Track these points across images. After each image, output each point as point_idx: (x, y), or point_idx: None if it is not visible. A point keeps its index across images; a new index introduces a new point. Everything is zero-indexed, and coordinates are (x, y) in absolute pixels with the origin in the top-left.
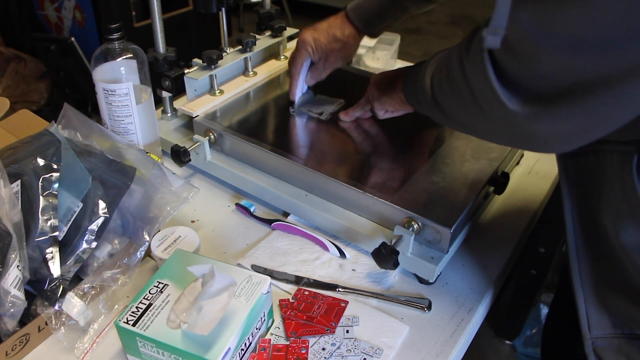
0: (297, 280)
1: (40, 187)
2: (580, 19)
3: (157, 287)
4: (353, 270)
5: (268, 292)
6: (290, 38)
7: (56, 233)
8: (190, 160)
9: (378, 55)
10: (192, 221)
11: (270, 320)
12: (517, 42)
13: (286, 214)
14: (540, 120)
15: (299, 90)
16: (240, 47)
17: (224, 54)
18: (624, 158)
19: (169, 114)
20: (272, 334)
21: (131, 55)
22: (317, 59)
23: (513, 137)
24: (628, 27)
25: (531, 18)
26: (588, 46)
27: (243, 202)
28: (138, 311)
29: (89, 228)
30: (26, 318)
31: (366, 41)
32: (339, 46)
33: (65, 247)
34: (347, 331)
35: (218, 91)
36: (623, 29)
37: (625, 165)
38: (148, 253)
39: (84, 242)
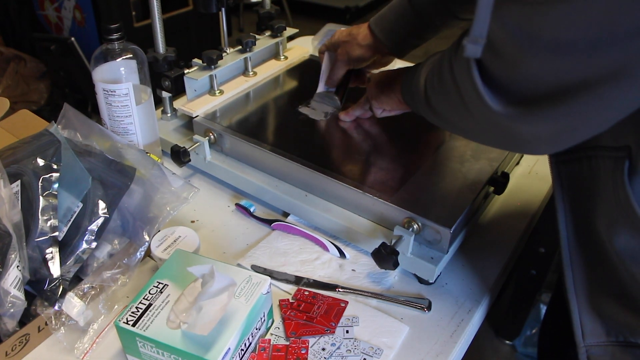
0: (297, 280)
1: (40, 187)
2: (562, 21)
3: (157, 287)
4: (353, 270)
5: (268, 292)
6: (290, 38)
7: (56, 233)
8: (190, 160)
9: None
10: (192, 221)
11: (270, 321)
12: (500, 44)
13: (286, 214)
14: (523, 122)
15: (320, 85)
16: (240, 47)
17: (224, 54)
18: (616, 163)
19: (169, 114)
20: (272, 334)
21: (131, 55)
22: (333, 50)
23: (499, 138)
24: (609, 29)
25: (513, 20)
26: (570, 48)
27: (243, 202)
28: (138, 311)
29: (88, 228)
30: (26, 318)
31: None
32: (346, 39)
33: (65, 247)
34: (347, 331)
35: (218, 91)
36: (604, 31)
37: (617, 171)
38: (148, 253)
39: (83, 242)
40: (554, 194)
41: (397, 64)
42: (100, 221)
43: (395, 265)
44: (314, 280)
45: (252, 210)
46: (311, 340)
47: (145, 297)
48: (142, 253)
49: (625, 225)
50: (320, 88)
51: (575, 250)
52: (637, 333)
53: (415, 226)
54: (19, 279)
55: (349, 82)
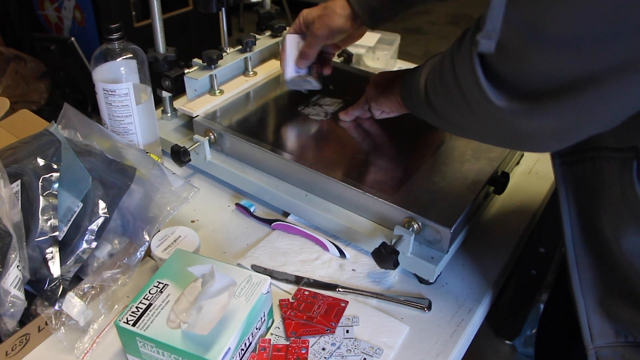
0: (297, 280)
1: (40, 187)
2: (568, 15)
3: (157, 287)
4: (353, 270)
5: (268, 292)
6: None
7: (56, 233)
8: (190, 160)
9: (378, 55)
10: (192, 221)
11: (270, 320)
12: (505, 39)
13: (286, 214)
14: (527, 118)
15: (289, 69)
16: (240, 47)
17: (224, 54)
18: (623, 164)
19: (169, 114)
20: (272, 334)
21: (131, 55)
22: (304, 29)
23: (502, 135)
24: (616, 23)
25: (519, 15)
26: (576, 42)
27: (243, 202)
28: (138, 311)
29: (89, 228)
30: (26, 318)
31: (366, 41)
32: (322, 12)
33: (65, 247)
34: (347, 331)
35: (218, 91)
36: (611, 25)
37: (625, 172)
38: (148, 253)
39: (84, 242)
40: (558, 195)
41: (397, 65)
42: (100, 221)
43: (396, 265)
44: (314, 280)
45: (252, 210)
46: (311, 340)
47: (146, 297)
48: (142, 253)
49: (632, 225)
50: (290, 73)
51: (581, 251)
52: None
53: (416, 226)
54: (19, 278)
55: (318, 61)
